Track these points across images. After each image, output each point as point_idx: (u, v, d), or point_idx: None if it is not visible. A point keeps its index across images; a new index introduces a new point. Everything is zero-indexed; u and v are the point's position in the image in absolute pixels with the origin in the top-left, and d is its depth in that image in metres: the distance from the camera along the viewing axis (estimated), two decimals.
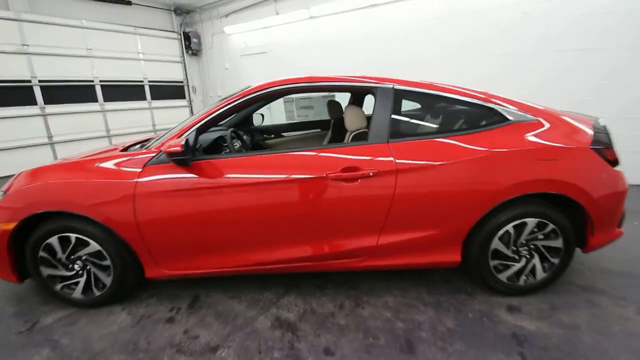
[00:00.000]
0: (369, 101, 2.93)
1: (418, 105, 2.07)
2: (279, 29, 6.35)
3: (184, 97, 7.96)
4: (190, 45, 7.69)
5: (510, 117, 1.80)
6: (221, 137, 2.25)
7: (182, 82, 7.89)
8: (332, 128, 2.87)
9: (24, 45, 5.52)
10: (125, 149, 2.07)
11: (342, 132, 2.61)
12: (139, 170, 1.73)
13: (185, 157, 1.58)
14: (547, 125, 1.81)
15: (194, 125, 1.77)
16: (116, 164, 1.79)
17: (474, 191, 1.71)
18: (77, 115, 6.26)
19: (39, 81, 5.71)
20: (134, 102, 7.00)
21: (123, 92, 6.83)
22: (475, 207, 1.73)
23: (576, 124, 1.87)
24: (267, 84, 1.89)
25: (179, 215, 1.74)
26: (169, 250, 1.83)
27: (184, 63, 7.83)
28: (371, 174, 1.68)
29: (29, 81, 5.61)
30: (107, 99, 6.59)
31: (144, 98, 7.18)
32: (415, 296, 1.96)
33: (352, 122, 2.05)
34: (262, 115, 3.39)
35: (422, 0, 4.82)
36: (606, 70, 3.93)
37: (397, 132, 1.79)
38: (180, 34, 7.66)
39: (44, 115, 5.84)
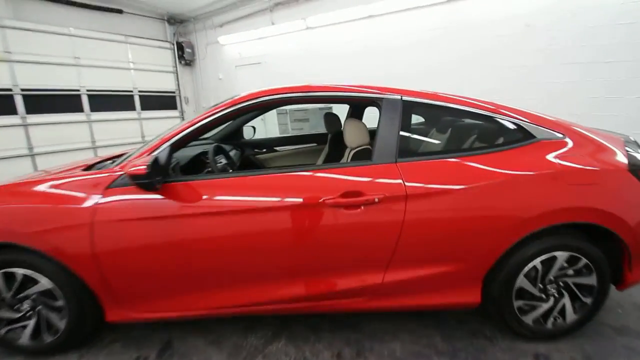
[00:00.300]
0: (368, 114, 2.71)
1: (426, 119, 1.83)
2: (274, 39, 6.18)
3: (175, 108, 7.71)
4: (184, 55, 7.50)
5: (535, 135, 1.56)
6: (204, 154, 1.99)
7: (174, 92, 7.65)
8: (330, 143, 2.62)
9: (6, 52, 5.26)
10: (91, 167, 1.79)
11: (340, 147, 2.37)
12: (100, 193, 1.45)
13: (151, 180, 1.30)
14: (576, 144, 1.57)
15: (167, 141, 1.51)
16: (73, 186, 1.51)
17: (498, 221, 1.46)
18: (61, 125, 5.96)
19: (21, 90, 5.42)
20: (122, 112, 6.73)
21: (111, 102, 6.56)
22: (499, 240, 1.48)
23: (606, 142, 1.64)
24: (257, 93, 1.64)
25: (146, 248, 1.45)
26: (135, 289, 1.53)
27: (177, 73, 7.61)
28: (376, 199, 1.42)
29: (10, 90, 5.33)
30: (93, 108, 6.31)
31: (133, 108, 6.91)
32: (427, 342, 1.67)
33: (353, 137, 1.80)
34: (254, 127, 3.14)
35: (422, 11, 4.68)
36: (613, 83, 3.77)
37: (407, 150, 1.54)
38: (174, 44, 7.47)
39: (25, 126, 5.54)
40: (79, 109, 6.15)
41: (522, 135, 1.56)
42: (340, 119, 2.71)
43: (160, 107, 7.38)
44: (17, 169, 5.31)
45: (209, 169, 1.86)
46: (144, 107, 7.05)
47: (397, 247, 1.47)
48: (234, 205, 1.45)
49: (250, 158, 2.98)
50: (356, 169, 1.50)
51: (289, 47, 6.06)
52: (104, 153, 6.32)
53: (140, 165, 1.27)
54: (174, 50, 7.49)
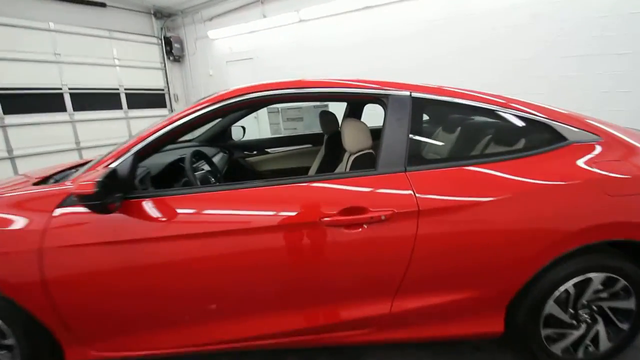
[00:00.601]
0: (368, 110, 2.47)
1: (432, 117, 1.58)
2: (266, 33, 5.90)
3: (164, 106, 7.41)
4: (172, 50, 7.18)
5: (567, 137, 1.33)
6: (182, 160, 1.74)
7: (162, 89, 7.34)
8: (326, 145, 2.38)
9: None
10: (45, 180, 1.53)
11: (338, 150, 2.13)
12: (48, 213, 1.20)
13: (103, 200, 1.05)
14: (613, 147, 1.35)
15: (132, 148, 1.26)
16: (16, 205, 1.25)
17: (527, 240, 1.24)
18: (43, 126, 5.65)
19: None
20: (108, 111, 6.42)
21: (96, 100, 6.25)
22: (528, 261, 1.25)
23: None
24: (244, 89, 1.39)
25: (106, 278, 1.21)
26: (96, 324, 1.29)
27: (165, 70, 7.30)
28: (383, 217, 1.18)
29: None
30: (77, 108, 5.99)
31: (119, 107, 6.60)
32: None
33: (353, 140, 1.56)
34: (243, 127, 2.89)
35: (422, 1, 4.43)
36: (622, 75, 3.57)
37: (418, 156, 1.30)
38: (161, 39, 7.15)
39: (3, 127, 5.22)
40: (61, 108, 5.83)
41: (552, 137, 1.33)
42: (338, 118, 2.46)
43: (149, 105, 7.07)
44: None
45: (187, 179, 1.61)
46: (131, 106, 6.74)
47: (408, 272, 1.24)
48: (212, 226, 1.21)
49: (239, 161, 2.73)
50: (358, 179, 1.26)
51: (282, 41, 5.78)
52: (89, 154, 6.02)
53: (88, 182, 1.02)
54: (161, 45, 7.16)
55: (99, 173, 1.07)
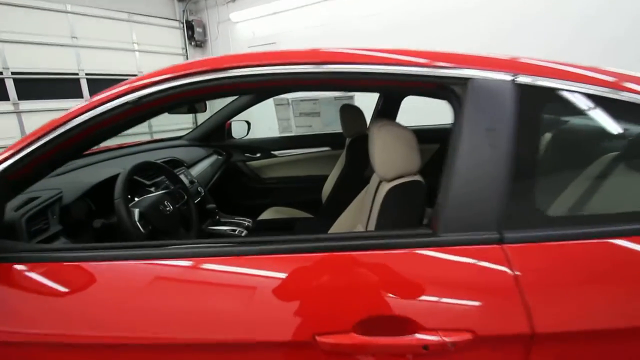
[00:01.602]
0: (406, 107, 1.78)
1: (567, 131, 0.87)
2: (291, 14, 5.31)
3: None
4: (194, 35, 6.79)
5: None
6: (145, 166, 1.17)
7: None
8: (347, 152, 1.72)
9: None
10: None
11: (364, 162, 1.49)
12: None
13: None
14: None
15: None
16: None
17: None
18: (58, 112, 5.34)
19: (12, 73, 4.93)
20: None
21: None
22: None
23: None
24: (197, 62, 0.82)
25: None
26: None
27: (187, 55, 6.92)
28: (451, 344, 0.54)
29: (0, 73, 4.83)
30: (94, 94, 5.73)
31: None
32: None
33: (389, 161, 0.91)
34: (248, 122, 2.31)
35: None
36: None
37: (529, 209, 0.63)
38: (183, 23, 6.75)
39: (18, 112, 5.06)
40: (77, 94, 5.60)
41: None
42: (366, 113, 1.81)
43: None
44: None
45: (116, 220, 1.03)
46: None
47: None
48: (129, 332, 0.63)
49: (239, 166, 2.16)
50: (395, 254, 0.62)
51: (308, 24, 5.17)
52: (106, 142, 5.80)
53: None
54: (183, 30, 6.77)
55: None
